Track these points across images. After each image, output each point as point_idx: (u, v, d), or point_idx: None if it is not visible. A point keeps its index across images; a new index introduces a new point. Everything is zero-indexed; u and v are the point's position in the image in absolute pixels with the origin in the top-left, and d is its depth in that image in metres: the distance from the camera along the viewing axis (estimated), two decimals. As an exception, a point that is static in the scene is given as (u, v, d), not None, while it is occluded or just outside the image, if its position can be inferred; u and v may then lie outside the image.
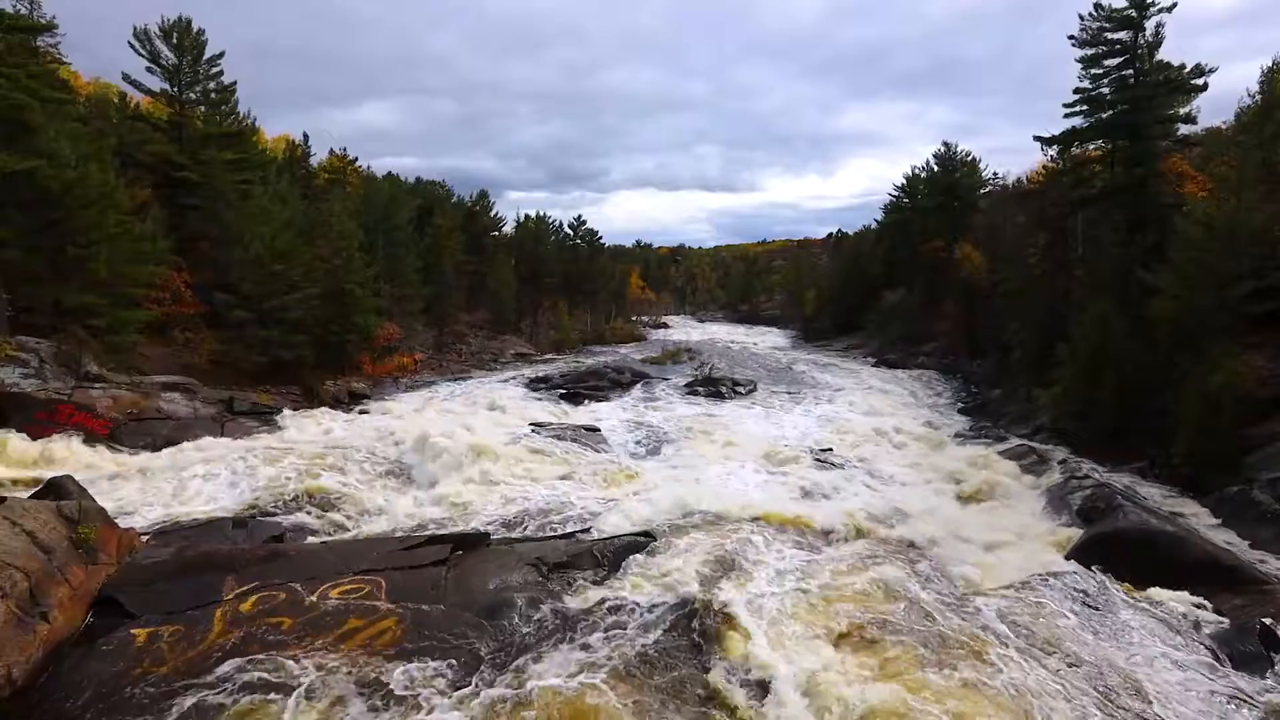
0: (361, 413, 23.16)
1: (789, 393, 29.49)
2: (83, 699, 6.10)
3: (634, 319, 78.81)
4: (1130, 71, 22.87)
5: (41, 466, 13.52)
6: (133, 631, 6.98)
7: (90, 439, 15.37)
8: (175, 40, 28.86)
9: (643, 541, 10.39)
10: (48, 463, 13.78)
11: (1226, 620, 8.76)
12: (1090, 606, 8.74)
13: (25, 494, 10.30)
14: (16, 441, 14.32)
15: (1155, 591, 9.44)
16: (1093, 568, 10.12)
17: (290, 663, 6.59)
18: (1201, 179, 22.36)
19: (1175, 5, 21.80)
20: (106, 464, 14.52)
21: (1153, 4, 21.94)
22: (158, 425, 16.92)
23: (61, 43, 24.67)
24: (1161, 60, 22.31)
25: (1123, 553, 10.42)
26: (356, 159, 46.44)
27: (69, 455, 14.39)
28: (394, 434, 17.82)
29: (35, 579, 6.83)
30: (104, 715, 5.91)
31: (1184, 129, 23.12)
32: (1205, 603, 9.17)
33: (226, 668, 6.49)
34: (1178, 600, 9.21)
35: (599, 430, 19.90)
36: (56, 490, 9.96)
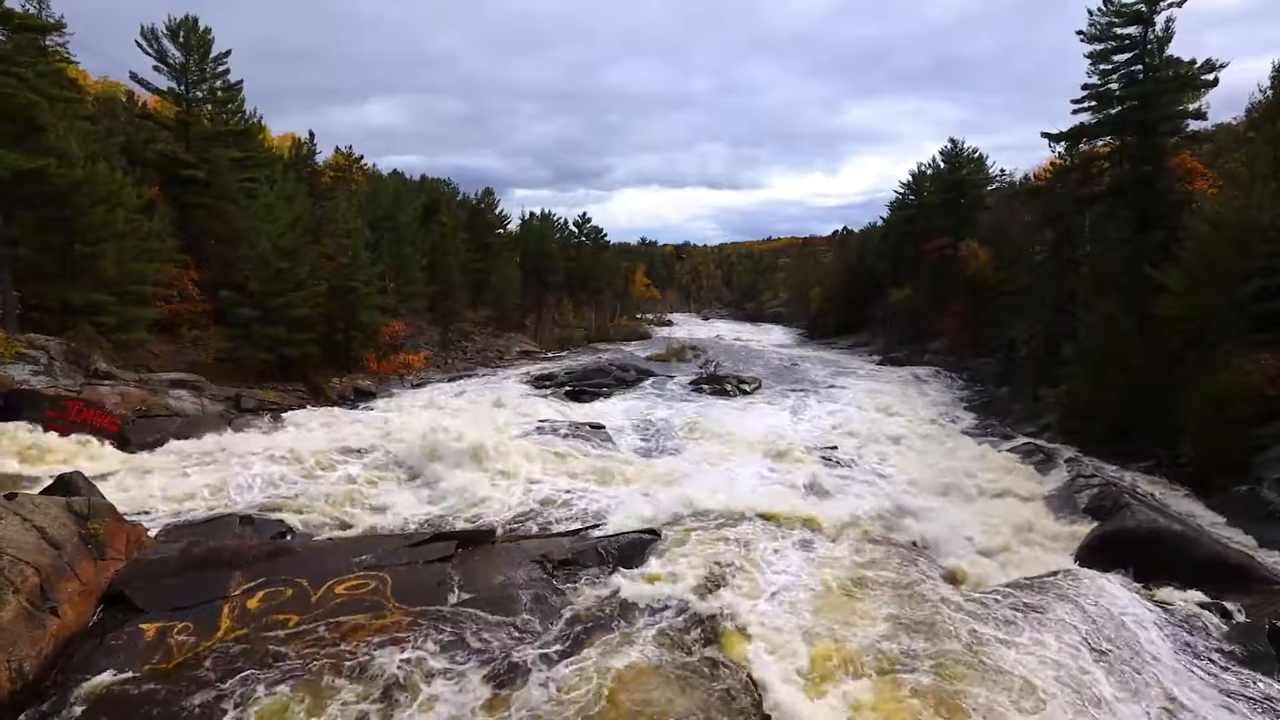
0: (367, 410, 23.26)
1: (794, 390, 29.43)
2: (91, 694, 6.15)
3: (638, 316, 78.78)
4: (1140, 67, 22.67)
5: (51, 463, 13.63)
6: (141, 627, 7.03)
7: (99, 435, 15.48)
8: (182, 39, 28.98)
9: (648, 539, 10.40)
10: (57, 459, 13.88)
11: (1235, 619, 8.70)
12: (1098, 605, 8.69)
13: (35, 490, 10.39)
14: (26, 438, 14.43)
15: (1163, 590, 9.40)
16: (1100, 566, 10.08)
17: (297, 658, 6.63)
18: (1211, 175, 22.18)
19: (1185, 0, 21.61)
20: (115, 460, 14.62)
21: (1163, -2, 21.74)
22: (166, 422, 17.02)
23: (70, 42, 24.79)
24: (1171, 55, 22.11)
25: (1131, 551, 10.38)
26: (362, 157, 46.52)
27: (78, 451, 14.50)
28: (399, 431, 17.86)
29: (45, 574, 6.89)
30: (113, 710, 5.96)
31: (1194, 125, 22.92)
32: (1214, 602, 9.11)
33: (234, 663, 6.54)
34: (1186, 599, 9.16)
35: (604, 428, 19.91)
36: (66, 486, 10.06)
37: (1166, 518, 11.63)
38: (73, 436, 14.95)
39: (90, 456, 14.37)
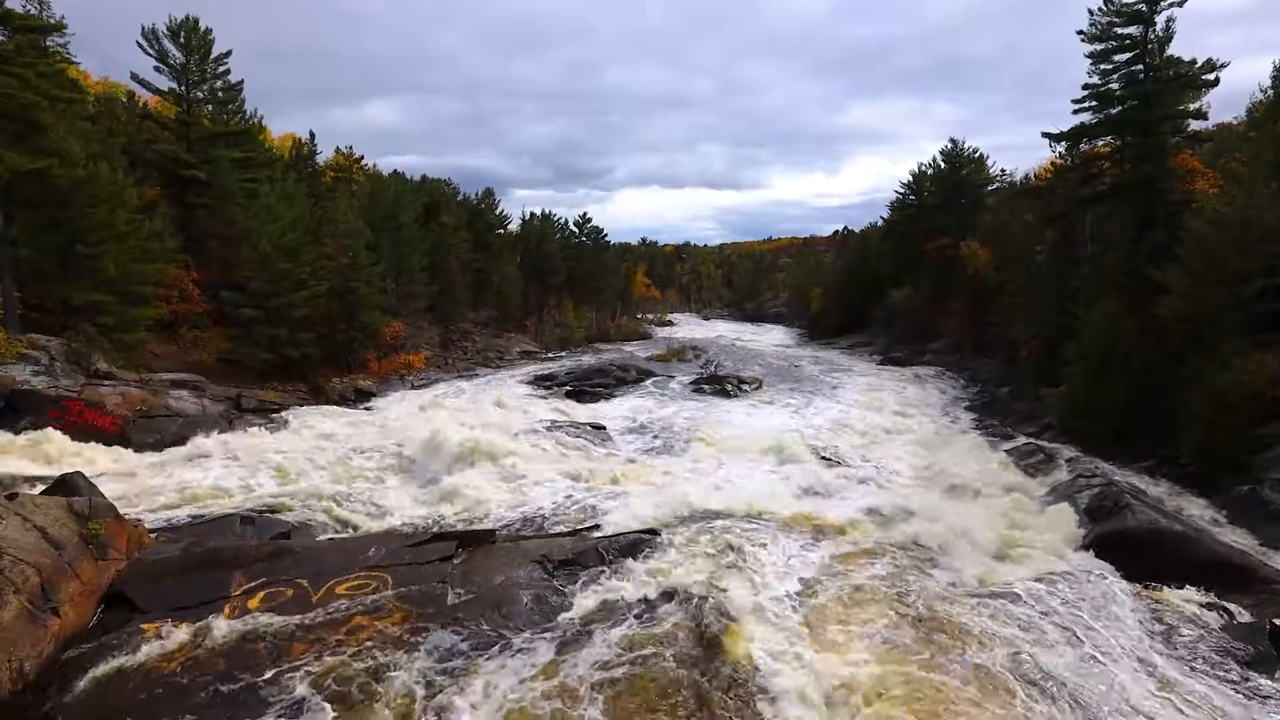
0: (368, 410, 23.27)
1: (795, 390, 29.42)
2: (92, 693, 6.15)
3: (639, 316, 78.85)
4: (1140, 67, 22.65)
5: (52, 463, 13.64)
6: (142, 627, 7.04)
7: (100, 436, 15.50)
8: (183, 39, 29.01)
9: (648, 539, 10.40)
10: (58, 459, 13.89)
11: (1236, 619, 8.70)
12: (1098, 605, 8.69)
13: (37, 490, 10.40)
14: (28, 438, 14.44)
15: (1164, 590, 9.39)
16: (1101, 566, 10.07)
17: (297, 658, 6.64)
18: (1212, 175, 22.14)
19: (1186, 0, 21.59)
20: (116, 460, 14.63)
21: (1163, -2, 21.70)
22: (166, 422, 17.04)
23: (70, 42, 24.83)
24: (1172, 55, 22.08)
25: (1132, 551, 10.37)
26: (362, 157, 46.55)
27: (79, 451, 14.51)
28: (400, 432, 17.88)
29: (46, 574, 6.89)
30: (113, 710, 5.96)
31: (1194, 125, 22.89)
32: (1215, 602, 9.11)
33: (234, 663, 6.54)
34: (1187, 599, 9.16)
35: (604, 428, 19.91)
36: (67, 486, 10.05)
37: (1167, 518, 11.61)
38: (74, 436, 14.98)
39: (91, 456, 14.39)
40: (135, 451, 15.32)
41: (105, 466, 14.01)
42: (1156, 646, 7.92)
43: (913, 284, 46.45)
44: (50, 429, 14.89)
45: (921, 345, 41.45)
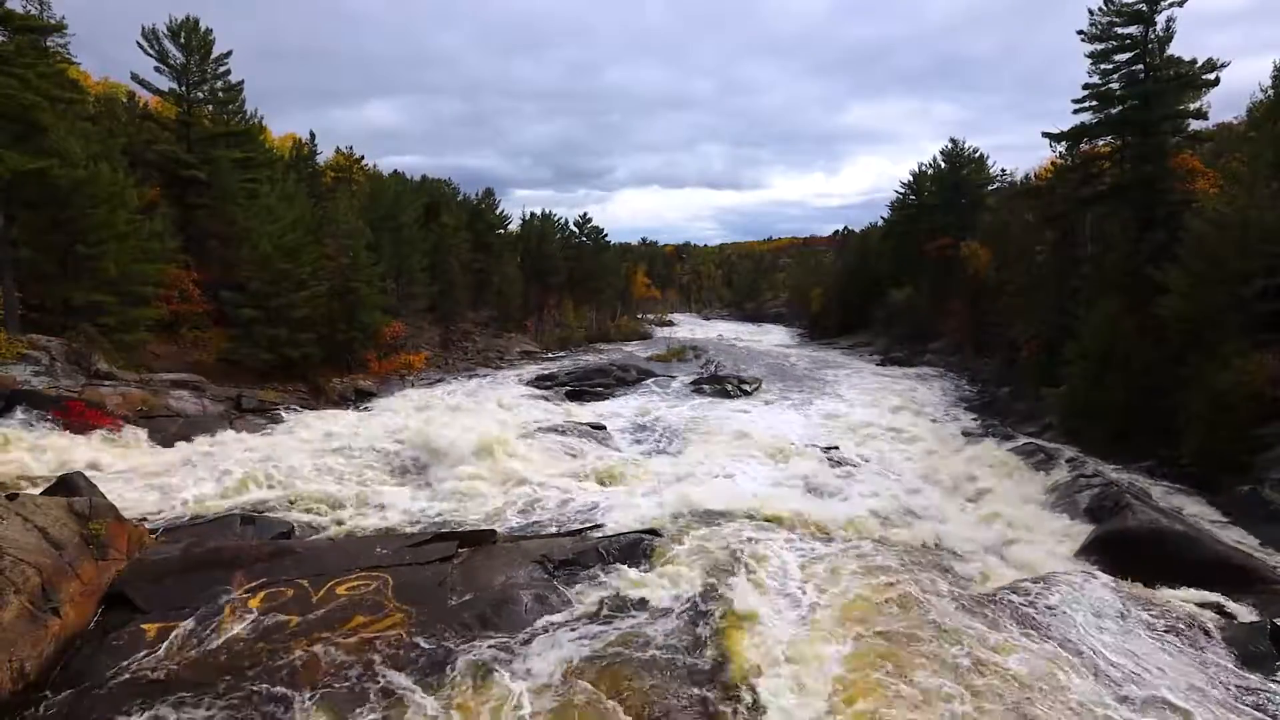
0: (368, 410, 23.26)
1: (795, 390, 29.42)
2: (93, 694, 6.16)
3: (639, 317, 78.90)
4: (1140, 66, 22.66)
5: (52, 463, 13.63)
6: (143, 627, 7.05)
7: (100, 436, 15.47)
8: (183, 40, 29.02)
9: (648, 539, 10.40)
10: (58, 459, 13.88)
11: (1237, 619, 8.69)
12: (1099, 605, 8.68)
13: (37, 490, 10.40)
14: (28, 438, 14.44)
15: (1165, 590, 9.38)
16: (1101, 566, 10.07)
17: (297, 658, 6.64)
18: (1212, 175, 22.14)
19: (1186, 0, 21.60)
20: (116, 460, 14.62)
21: (1163, -2, 21.71)
22: (167, 422, 17.03)
23: (71, 43, 24.83)
24: (1172, 55, 22.10)
25: (1132, 551, 10.37)
26: (363, 157, 46.59)
27: (80, 452, 14.50)
28: (400, 432, 17.87)
29: (47, 575, 6.89)
30: (114, 710, 5.96)
31: (1195, 124, 22.90)
32: (1216, 601, 9.10)
33: (235, 663, 6.54)
34: (1188, 599, 9.15)
35: (605, 428, 19.91)
36: (67, 487, 10.07)
37: (1168, 518, 11.60)
38: (74, 436, 14.96)
39: (92, 457, 14.36)
40: (136, 451, 15.29)
41: (106, 466, 13.94)
42: (1155, 645, 7.91)
43: (913, 284, 46.45)
44: (51, 429, 14.86)
45: (922, 345, 41.46)
